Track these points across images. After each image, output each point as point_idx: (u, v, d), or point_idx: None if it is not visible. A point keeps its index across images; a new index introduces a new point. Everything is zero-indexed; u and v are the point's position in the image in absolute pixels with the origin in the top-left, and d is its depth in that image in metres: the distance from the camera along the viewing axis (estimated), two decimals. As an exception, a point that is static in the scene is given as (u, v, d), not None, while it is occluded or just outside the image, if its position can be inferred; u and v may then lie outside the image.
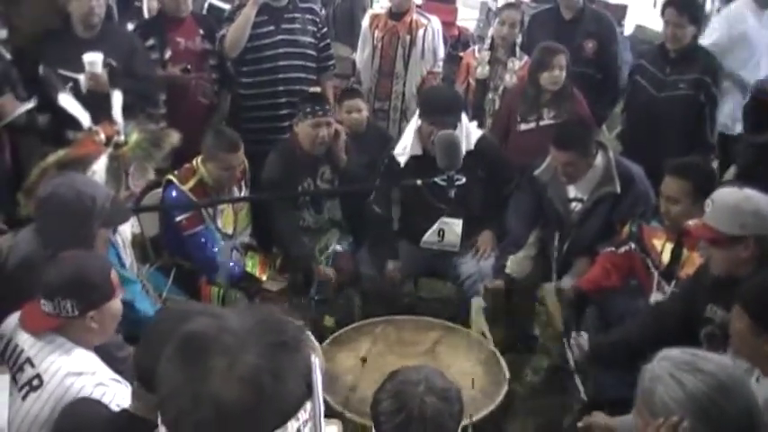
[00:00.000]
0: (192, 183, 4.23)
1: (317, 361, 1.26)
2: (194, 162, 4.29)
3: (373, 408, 2.27)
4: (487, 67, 5.35)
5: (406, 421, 2.18)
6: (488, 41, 5.47)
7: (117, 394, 2.37)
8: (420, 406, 2.19)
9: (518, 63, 5.29)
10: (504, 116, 5.08)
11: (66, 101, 3.82)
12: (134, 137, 3.53)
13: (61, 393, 2.36)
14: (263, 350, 1.20)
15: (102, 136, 3.50)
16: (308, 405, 1.23)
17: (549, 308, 4.16)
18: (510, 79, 5.27)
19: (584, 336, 3.69)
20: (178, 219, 4.21)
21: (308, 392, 1.23)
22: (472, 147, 4.41)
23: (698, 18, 5.01)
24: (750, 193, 3.03)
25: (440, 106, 4.42)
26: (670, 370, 1.94)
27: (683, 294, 3.43)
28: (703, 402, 1.89)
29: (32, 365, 2.45)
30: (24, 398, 2.41)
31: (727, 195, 3.08)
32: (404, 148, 4.51)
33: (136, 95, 4.40)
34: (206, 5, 5.83)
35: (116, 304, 2.64)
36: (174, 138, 3.63)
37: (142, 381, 2.10)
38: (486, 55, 5.37)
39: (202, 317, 1.28)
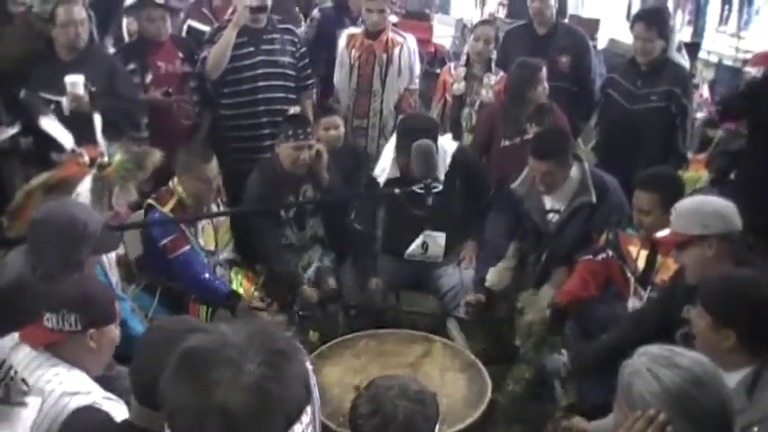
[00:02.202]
0: (171, 204, 4.24)
1: (310, 366, 1.32)
2: (171, 184, 4.31)
3: (351, 413, 2.36)
4: (463, 83, 5.41)
5: (381, 424, 2.26)
6: (464, 57, 5.55)
7: (111, 412, 2.40)
8: (393, 408, 2.27)
9: (494, 78, 5.35)
10: (485, 131, 5.16)
11: (49, 124, 3.85)
12: (117, 157, 3.56)
13: (57, 413, 2.39)
14: (264, 359, 1.25)
15: (87, 158, 3.54)
16: (309, 408, 1.28)
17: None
18: (486, 94, 5.34)
19: (564, 356, 3.80)
20: (162, 242, 4.20)
21: (308, 396, 1.29)
22: (448, 164, 4.51)
23: (666, 32, 5.11)
24: (708, 197, 3.28)
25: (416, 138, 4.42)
26: (648, 365, 2.01)
27: (661, 298, 3.54)
28: (679, 396, 1.95)
29: (27, 386, 2.47)
30: None
31: (687, 201, 3.31)
32: (382, 170, 4.60)
33: (118, 115, 4.46)
34: (185, 27, 5.88)
35: (115, 331, 2.68)
36: (157, 156, 3.67)
37: (139, 397, 2.15)
38: (462, 71, 5.44)
39: (199, 333, 1.34)
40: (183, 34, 5.78)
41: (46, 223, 2.99)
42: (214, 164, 4.32)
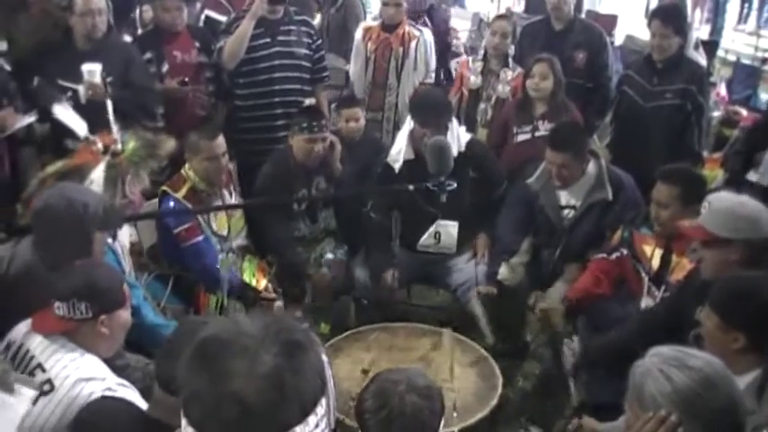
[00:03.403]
0: (184, 190, 4.26)
1: (326, 358, 1.33)
2: (183, 170, 4.33)
3: (358, 407, 2.35)
4: (480, 78, 5.42)
5: (387, 418, 2.25)
6: (481, 52, 5.54)
7: (125, 398, 2.42)
8: (400, 403, 2.26)
9: (510, 73, 5.35)
10: (501, 127, 5.17)
11: (62, 112, 3.85)
12: (131, 145, 3.56)
13: (72, 398, 2.41)
14: (280, 349, 1.26)
15: (100, 145, 3.54)
16: (323, 400, 1.29)
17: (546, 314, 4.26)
18: (503, 89, 5.34)
19: (575, 341, 3.79)
20: (176, 230, 4.21)
21: (323, 388, 1.29)
22: (463, 148, 4.51)
23: (683, 29, 5.07)
24: (745, 199, 3.15)
25: (430, 108, 4.56)
26: (659, 365, 2.02)
27: (673, 298, 3.51)
28: (690, 396, 1.96)
29: (43, 370, 2.50)
30: (35, 402, 2.44)
31: (724, 199, 3.19)
32: (397, 153, 4.59)
33: (134, 104, 4.47)
34: (203, 17, 5.89)
35: (126, 314, 2.71)
36: (171, 144, 3.66)
37: (164, 386, 2.16)
38: (479, 65, 5.44)
39: (216, 323, 1.34)
40: (201, 24, 5.79)
41: (46, 212, 2.97)
42: (220, 140, 4.32)
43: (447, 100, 5.06)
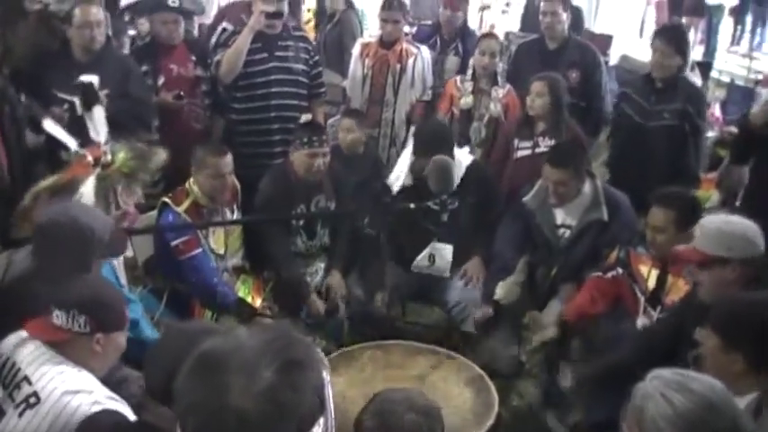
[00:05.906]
0: (186, 204, 4.24)
1: (327, 377, 1.31)
2: (187, 184, 4.31)
3: (356, 427, 2.32)
4: (471, 97, 5.41)
5: None
6: (470, 71, 5.52)
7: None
8: (399, 421, 2.24)
9: (501, 91, 5.35)
10: (503, 143, 5.18)
11: (51, 127, 3.85)
12: (121, 156, 3.54)
13: (58, 411, 2.37)
14: (279, 366, 1.25)
15: (90, 158, 3.53)
16: (321, 419, 1.28)
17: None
18: (495, 108, 5.33)
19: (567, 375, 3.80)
20: (174, 243, 4.18)
21: (321, 406, 1.28)
22: (463, 174, 4.49)
23: (685, 50, 5.06)
24: (734, 218, 3.18)
25: (435, 143, 4.46)
26: (660, 389, 2.00)
27: (673, 318, 3.50)
28: (692, 421, 1.94)
29: (30, 383, 2.46)
30: (21, 415, 2.41)
31: (714, 220, 3.24)
32: (397, 178, 4.60)
33: (130, 117, 4.46)
34: (219, 29, 5.83)
35: (122, 338, 2.67)
36: (161, 156, 3.63)
37: (151, 394, 2.14)
38: (469, 85, 5.43)
39: (216, 336, 1.33)
40: (215, 37, 5.73)
41: (51, 231, 2.94)
42: (228, 158, 4.31)
43: (450, 133, 4.98)
